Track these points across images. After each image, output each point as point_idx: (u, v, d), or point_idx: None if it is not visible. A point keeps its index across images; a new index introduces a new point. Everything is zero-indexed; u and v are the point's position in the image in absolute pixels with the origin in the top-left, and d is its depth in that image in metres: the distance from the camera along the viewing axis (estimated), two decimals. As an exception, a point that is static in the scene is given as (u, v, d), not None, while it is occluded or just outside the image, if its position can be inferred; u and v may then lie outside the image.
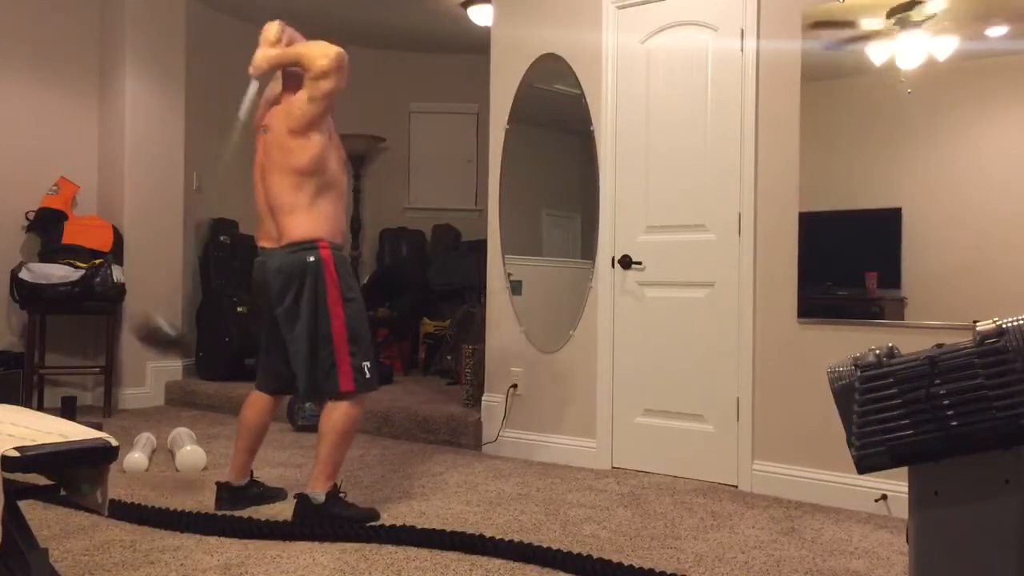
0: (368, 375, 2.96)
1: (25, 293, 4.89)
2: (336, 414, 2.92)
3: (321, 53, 2.85)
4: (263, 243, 3.02)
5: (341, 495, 2.95)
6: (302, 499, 2.92)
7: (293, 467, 3.77)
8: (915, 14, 3.18)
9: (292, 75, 2.99)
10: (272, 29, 3.04)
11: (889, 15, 3.24)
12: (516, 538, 2.73)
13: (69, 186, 5.38)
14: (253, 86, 3.01)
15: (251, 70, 3.00)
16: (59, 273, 4.92)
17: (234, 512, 3.01)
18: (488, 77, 4.33)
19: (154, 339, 3.19)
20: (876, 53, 3.27)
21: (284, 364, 3.06)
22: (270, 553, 2.63)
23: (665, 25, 3.78)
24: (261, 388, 3.16)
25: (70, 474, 1.91)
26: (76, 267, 4.97)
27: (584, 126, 3.98)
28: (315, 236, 2.92)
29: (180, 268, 5.70)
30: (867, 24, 3.29)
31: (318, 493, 2.90)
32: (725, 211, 3.60)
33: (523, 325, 4.16)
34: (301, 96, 2.89)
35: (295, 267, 2.90)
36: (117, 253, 5.26)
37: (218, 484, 3.14)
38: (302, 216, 2.91)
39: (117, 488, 3.32)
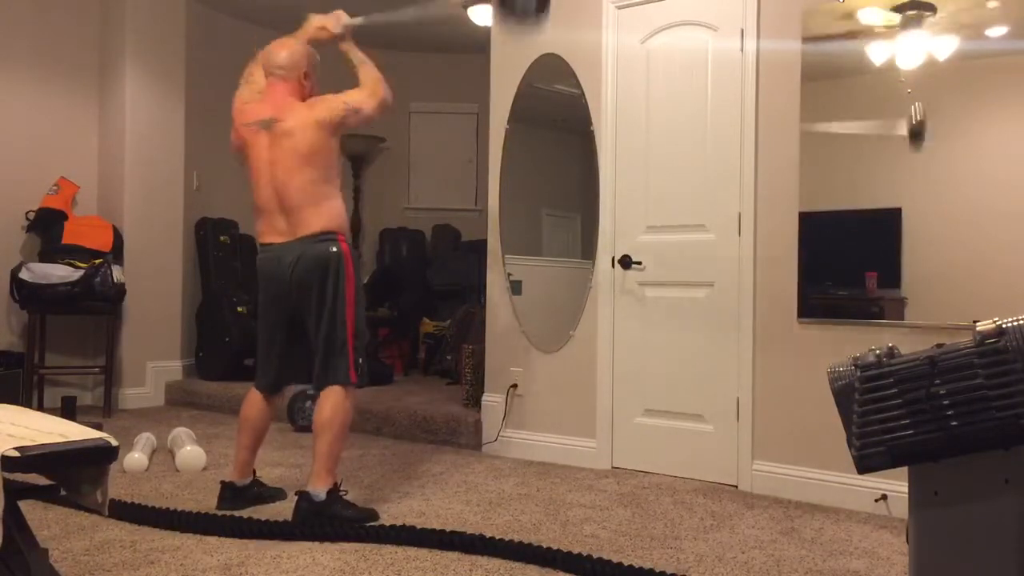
0: (360, 371, 3.01)
1: (25, 293, 4.90)
2: (329, 408, 2.95)
3: (385, 90, 3.10)
4: (270, 239, 3.02)
5: (342, 493, 2.96)
6: (303, 496, 2.92)
7: (293, 467, 3.77)
8: (915, 14, 3.17)
9: (287, 74, 3.04)
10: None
11: (889, 15, 3.24)
12: (516, 538, 2.73)
13: (69, 186, 5.39)
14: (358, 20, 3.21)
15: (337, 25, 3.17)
16: (59, 273, 4.92)
17: (234, 512, 3.01)
18: (488, 77, 4.33)
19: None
20: (876, 53, 3.27)
21: (286, 361, 3.10)
22: (270, 553, 2.63)
23: (665, 25, 3.78)
24: (259, 386, 3.16)
25: (70, 474, 1.91)
26: (76, 267, 4.97)
27: (584, 126, 3.98)
28: (333, 228, 2.99)
29: (180, 268, 5.70)
30: (867, 24, 3.29)
31: (319, 491, 2.90)
32: (725, 211, 3.60)
33: (523, 325, 4.16)
34: (337, 97, 2.99)
35: (319, 257, 2.94)
36: (117, 253, 5.26)
37: (222, 483, 3.15)
38: (320, 209, 2.97)
39: (117, 488, 3.32)
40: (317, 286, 2.95)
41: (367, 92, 3.06)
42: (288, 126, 2.96)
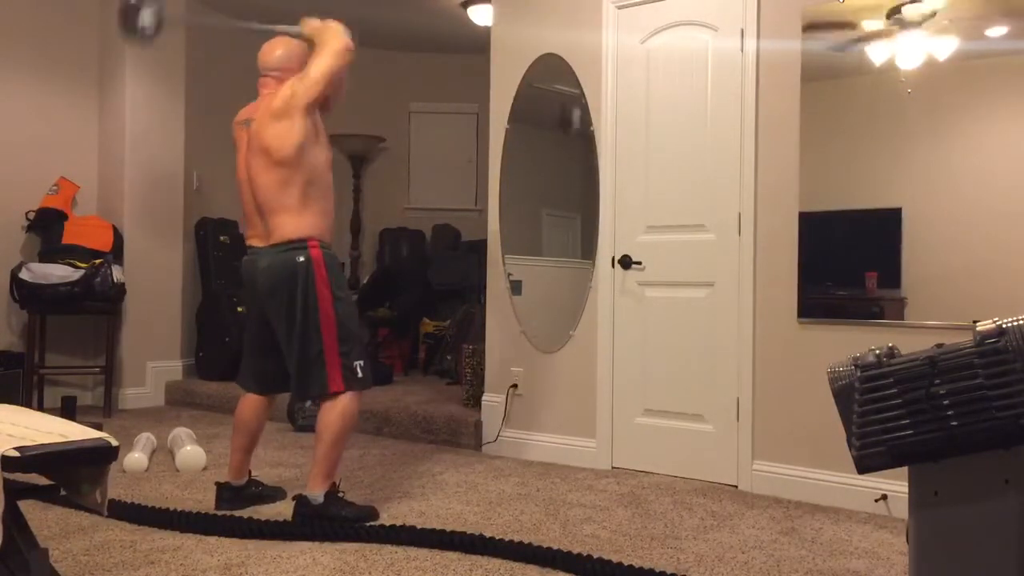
0: (360, 374, 2.94)
1: (25, 293, 4.89)
2: (332, 413, 2.92)
3: (343, 40, 2.90)
4: (253, 242, 3.02)
5: (340, 495, 2.95)
6: (301, 500, 2.92)
7: (293, 467, 3.77)
8: (915, 14, 3.17)
9: (281, 75, 3.01)
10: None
11: (889, 15, 3.24)
12: (516, 538, 2.73)
13: (69, 186, 5.38)
14: (292, 28, 3.03)
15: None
16: (59, 273, 4.92)
17: (234, 512, 3.01)
18: (488, 77, 4.33)
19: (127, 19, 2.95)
20: (876, 53, 3.27)
21: (268, 364, 3.07)
22: (270, 553, 2.63)
23: (665, 25, 3.78)
24: (245, 388, 3.15)
25: (70, 474, 1.91)
26: (76, 267, 4.97)
27: (584, 126, 3.98)
28: (305, 235, 2.90)
29: (180, 268, 5.70)
30: (867, 24, 3.29)
31: (316, 494, 2.90)
32: (725, 211, 3.60)
33: (523, 325, 4.16)
34: (293, 78, 2.89)
35: (285, 267, 2.88)
36: (117, 253, 5.26)
37: (218, 484, 3.15)
38: (291, 215, 2.89)
39: (117, 488, 3.32)
40: (286, 297, 2.88)
41: (317, 59, 2.88)
42: (257, 127, 2.90)
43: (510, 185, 4.25)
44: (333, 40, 2.89)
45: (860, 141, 3.30)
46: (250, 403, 3.13)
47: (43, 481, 1.92)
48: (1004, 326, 1.40)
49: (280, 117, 2.84)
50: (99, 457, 1.86)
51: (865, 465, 1.50)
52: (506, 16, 4.29)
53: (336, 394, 2.91)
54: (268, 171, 2.87)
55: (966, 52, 3.10)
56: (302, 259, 2.88)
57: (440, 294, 6.56)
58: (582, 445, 3.95)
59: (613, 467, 3.87)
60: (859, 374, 1.50)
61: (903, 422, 1.45)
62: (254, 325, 3.10)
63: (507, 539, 2.70)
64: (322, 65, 2.86)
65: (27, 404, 4.74)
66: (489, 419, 4.24)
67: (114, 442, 1.87)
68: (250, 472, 3.20)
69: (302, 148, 2.86)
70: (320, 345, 2.88)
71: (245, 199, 3.01)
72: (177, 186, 5.65)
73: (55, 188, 5.31)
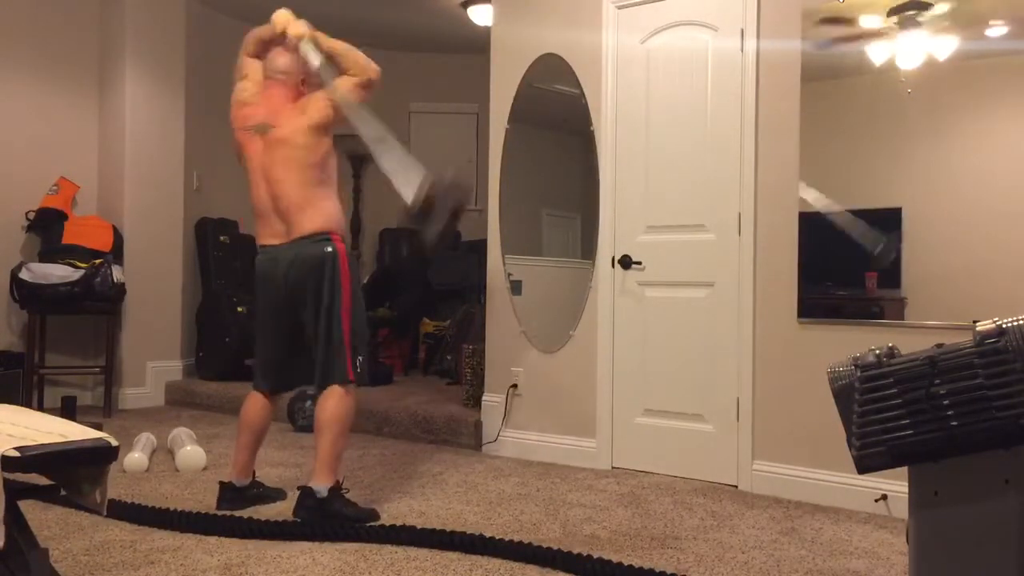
0: (358, 369, 3.02)
1: (25, 293, 4.90)
2: (330, 406, 2.96)
3: (374, 68, 3.04)
4: (269, 241, 3.06)
5: (343, 491, 2.96)
6: (305, 491, 2.93)
7: (293, 467, 3.77)
8: (915, 13, 3.17)
9: (286, 79, 3.07)
10: (281, 19, 3.07)
11: (889, 15, 3.24)
12: (516, 538, 2.73)
13: (69, 186, 5.39)
14: (312, 56, 3.01)
15: (291, 31, 3.02)
16: (59, 273, 4.92)
17: (234, 512, 3.01)
18: (488, 77, 4.33)
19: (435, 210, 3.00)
20: (876, 53, 3.27)
21: (282, 361, 3.10)
22: (270, 553, 2.63)
23: (665, 25, 3.78)
24: (259, 387, 3.17)
25: (70, 474, 1.91)
26: (76, 267, 4.97)
27: (584, 126, 3.98)
28: (328, 228, 3.02)
29: (180, 268, 5.70)
30: (867, 24, 3.29)
31: (321, 487, 2.92)
32: (725, 211, 3.60)
33: (523, 325, 4.16)
34: (322, 96, 2.99)
35: (314, 257, 2.97)
36: (117, 253, 5.26)
37: (221, 484, 3.15)
38: (314, 210, 3.00)
39: (117, 488, 3.32)
40: (313, 287, 2.97)
41: (352, 81, 3.02)
42: (281, 133, 2.99)
43: (510, 185, 4.25)
44: (363, 73, 3.03)
45: (860, 141, 3.30)
46: (255, 402, 3.15)
47: (43, 481, 1.92)
48: (1004, 326, 1.40)
49: (320, 134, 3.00)
50: (99, 457, 1.86)
51: (865, 465, 1.50)
52: (506, 16, 4.29)
53: (345, 384, 2.97)
54: (294, 171, 2.98)
55: (966, 52, 3.10)
56: (330, 249, 2.99)
57: (440, 294, 6.56)
58: (582, 445, 3.95)
59: (613, 467, 3.87)
60: (859, 374, 1.50)
61: (903, 422, 1.45)
62: (269, 324, 3.12)
63: (507, 539, 2.70)
64: (353, 96, 3.01)
65: (27, 404, 4.74)
66: (489, 419, 4.24)
67: (114, 442, 1.87)
68: (254, 473, 3.20)
69: (330, 154, 3.06)
70: (341, 336, 2.97)
71: (260, 200, 3.05)
72: (177, 186, 5.65)
73: (55, 188, 5.31)
